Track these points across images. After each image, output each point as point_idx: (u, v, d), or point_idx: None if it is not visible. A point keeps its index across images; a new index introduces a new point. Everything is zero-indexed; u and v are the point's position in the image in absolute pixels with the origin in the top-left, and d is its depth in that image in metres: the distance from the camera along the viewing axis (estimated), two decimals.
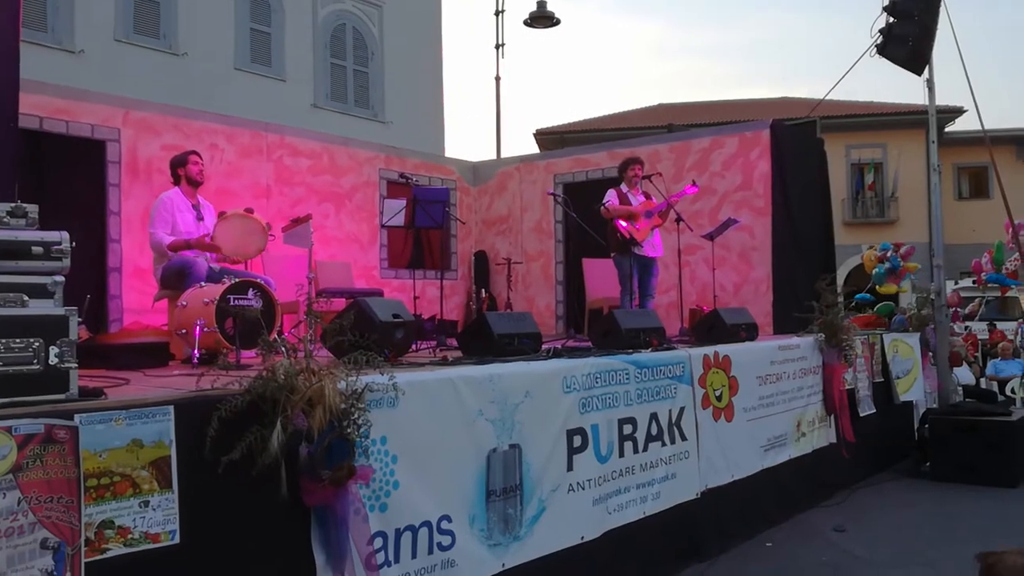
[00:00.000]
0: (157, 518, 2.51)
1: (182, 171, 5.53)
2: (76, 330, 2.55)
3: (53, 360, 2.49)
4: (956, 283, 19.96)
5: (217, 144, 7.53)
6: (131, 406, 2.50)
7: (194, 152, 5.66)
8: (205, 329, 4.42)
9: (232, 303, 4.53)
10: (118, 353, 4.18)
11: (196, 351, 4.37)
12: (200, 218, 5.49)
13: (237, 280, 4.74)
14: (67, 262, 2.64)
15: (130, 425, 2.49)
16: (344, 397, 2.77)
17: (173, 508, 2.54)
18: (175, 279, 5.16)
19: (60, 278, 2.59)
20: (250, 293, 4.68)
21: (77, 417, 2.37)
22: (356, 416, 2.78)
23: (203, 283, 4.90)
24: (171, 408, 2.57)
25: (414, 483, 3.24)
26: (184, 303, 4.72)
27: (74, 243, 2.65)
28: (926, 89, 8.78)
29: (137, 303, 6.56)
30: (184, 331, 4.61)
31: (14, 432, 2.26)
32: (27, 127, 6.20)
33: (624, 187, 7.27)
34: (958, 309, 13.34)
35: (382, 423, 3.08)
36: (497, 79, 14.67)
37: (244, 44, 13.55)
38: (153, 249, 5.39)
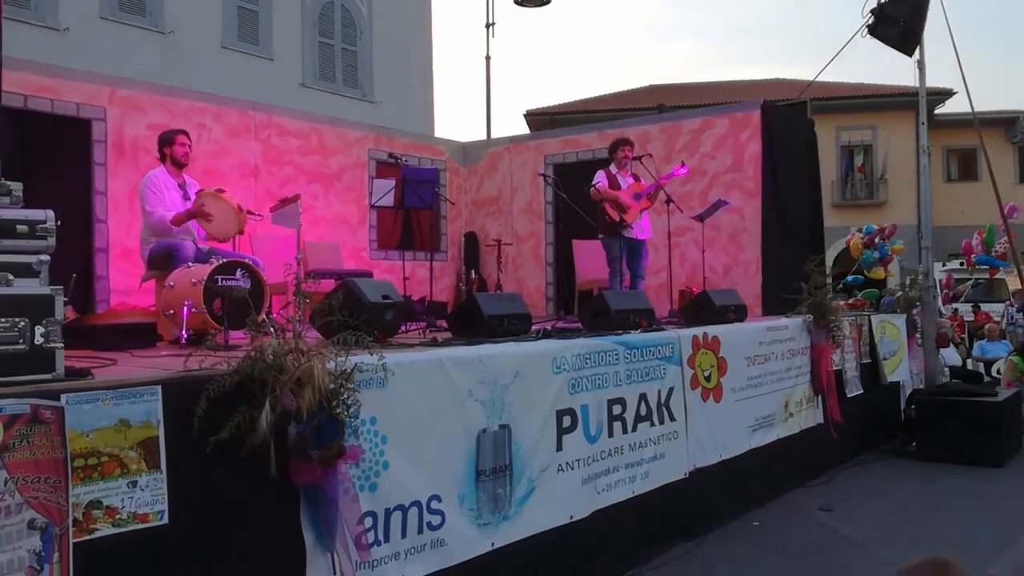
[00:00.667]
0: (145, 498, 2.51)
1: (168, 150, 5.47)
2: (62, 309, 2.53)
3: (39, 340, 2.47)
4: (944, 265, 20.09)
5: (204, 123, 7.46)
6: (118, 386, 2.49)
7: (183, 132, 5.58)
8: (193, 310, 4.39)
9: (220, 283, 4.50)
10: (105, 334, 4.15)
11: (184, 332, 4.35)
12: (186, 197, 5.43)
13: (225, 260, 4.70)
14: (52, 241, 2.61)
15: (117, 405, 2.47)
16: (333, 377, 2.76)
17: (162, 488, 2.54)
18: (163, 259, 5.12)
19: (45, 257, 2.56)
20: (238, 273, 4.65)
21: (63, 397, 2.35)
22: (345, 396, 2.77)
23: (191, 263, 4.86)
24: (159, 388, 2.56)
25: (404, 463, 3.25)
26: (171, 283, 4.69)
27: (59, 222, 2.62)
28: (917, 70, 8.78)
29: (124, 284, 6.51)
30: (172, 311, 4.58)
31: (0, 412, 2.24)
32: (11, 105, 6.12)
33: (613, 168, 7.25)
34: (947, 291, 13.44)
35: (372, 403, 3.07)
36: (487, 59, 14.59)
37: (231, 22, 13.39)
38: (151, 227, 5.30)
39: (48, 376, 2.51)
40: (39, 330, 2.47)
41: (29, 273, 2.50)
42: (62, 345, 2.54)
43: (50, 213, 2.61)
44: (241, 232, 5.42)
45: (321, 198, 8.46)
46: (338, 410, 2.76)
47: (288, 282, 6.20)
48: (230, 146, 7.68)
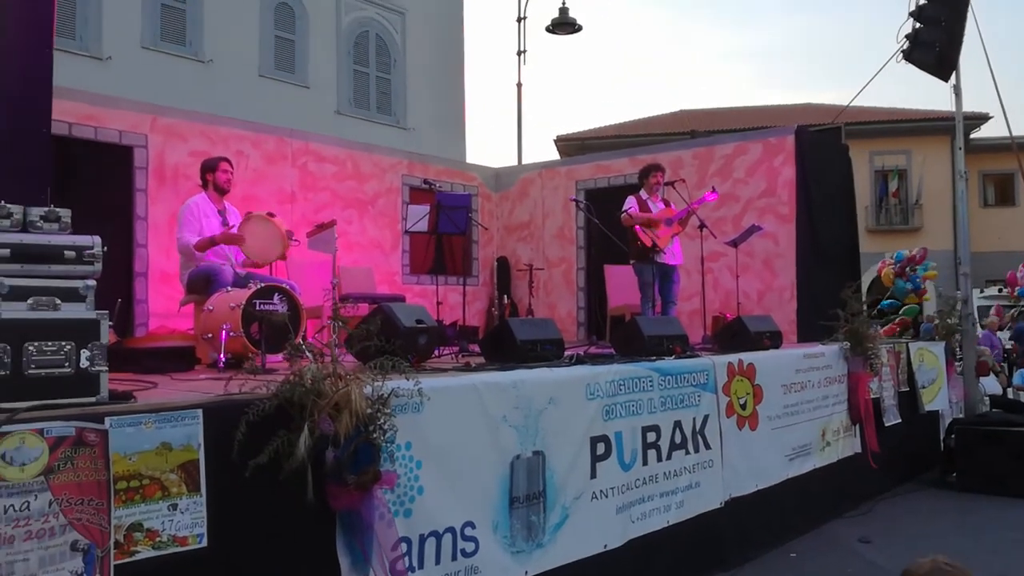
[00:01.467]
0: (185, 521, 2.53)
1: (211, 176, 5.58)
2: (107, 334, 2.58)
3: (84, 363, 2.52)
4: (982, 291, 19.74)
5: (243, 150, 7.60)
6: (160, 409, 2.52)
7: (225, 159, 5.70)
8: (231, 333, 4.45)
9: (258, 307, 4.56)
10: (145, 357, 4.21)
11: (222, 355, 4.40)
12: (225, 223, 5.53)
13: (263, 285, 4.76)
14: (99, 266, 2.67)
15: (159, 428, 2.51)
16: (370, 402, 2.78)
17: (201, 511, 2.56)
18: (202, 284, 5.21)
19: (92, 282, 2.62)
20: (276, 298, 4.71)
21: (107, 420, 2.39)
22: (382, 421, 2.79)
23: (229, 288, 4.93)
24: (200, 412, 2.59)
25: (438, 489, 3.25)
26: (210, 307, 4.76)
27: (105, 247, 2.68)
28: (953, 95, 8.69)
29: (163, 307, 6.62)
30: (210, 335, 4.65)
31: (46, 434, 2.29)
32: (56, 133, 6.24)
33: (644, 194, 7.25)
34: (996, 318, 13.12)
35: (407, 428, 3.08)
36: (519, 85, 14.68)
37: (268, 51, 13.68)
38: (181, 253, 5.44)
39: (92, 399, 2.55)
40: (84, 354, 2.52)
41: (76, 298, 2.56)
42: (106, 368, 2.59)
43: (97, 239, 2.68)
44: (283, 256, 5.49)
45: (356, 223, 8.55)
46: (375, 435, 2.77)
47: (324, 306, 6.29)
48: (268, 172, 7.81)
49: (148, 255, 6.86)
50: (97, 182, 6.62)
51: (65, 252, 2.60)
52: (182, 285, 5.47)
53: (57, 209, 2.65)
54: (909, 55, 8.36)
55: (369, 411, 2.75)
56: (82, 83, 7.75)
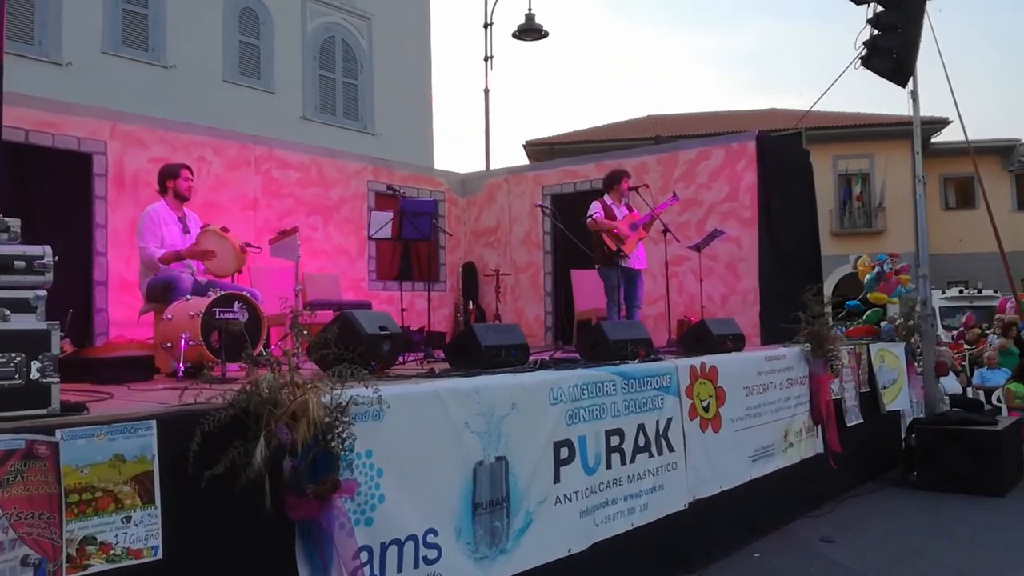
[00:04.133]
0: (139, 534, 2.50)
1: (171, 183, 5.52)
2: (58, 345, 2.54)
3: (35, 375, 2.48)
4: (943, 292, 20.09)
5: (204, 157, 7.51)
6: (113, 421, 2.49)
7: (186, 167, 5.64)
8: (190, 343, 4.41)
9: (218, 316, 4.52)
10: (102, 367, 4.15)
11: (181, 365, 4.36)
12: (186, 231, 5.48)
13: (223, 293, 4.72)
14: (49, 276, 2.63)
15: (112, 440, 2.47)
16: (328, 411, 2.76)
17: (156, 524, 2.53)
18: (161, 292, 5.15)
19: (42, 292, 2.57)
20: (236, 306, 4.66)
21: (59, 432, 2.36)
22: (340, 430, 2.77)
23: (188, 296, 4.88)
24: (153, 423, 2.56)
25: (400, 496, 3.23)
26: (169, 316, 4.70)
27: (57, 257, 2.64)
28: (911, 100, 8.86)
29: (123, 316, 6.52)
30: (169, 344, 4.59)
31: None
32: (12, 140, 6.17)
33: (609, 199, 7.30)
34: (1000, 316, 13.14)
35: (367, 436, 3.07)
36: (486, 91, 14.69)
37: (233, 56, 13.57)
38: (143, 262, 5.36)
39: (44, 411, 2.51)
40: (35, 365, 2.48)
41: (26, 308, 2.51)
42: (58, 380, 2.55)
43: (47, 248, 2.63)
44: (240, 271, 5.45)
45: (321, 230, 8.50)
46: (333, 444, 2.75)
47: (286, 314, 6.24)
48: (230, 179, 7.73)
49: (108, 263, 6.75)
50: (55, 190, 6.51)
51: (15, 262, 2.55)
52: (141, 294, 5.40)
53: (6, 219, 2.61)
54: (867, 61, 8.51)
55: (327, 419, 2.74)
56: (42, 89, 7.62)
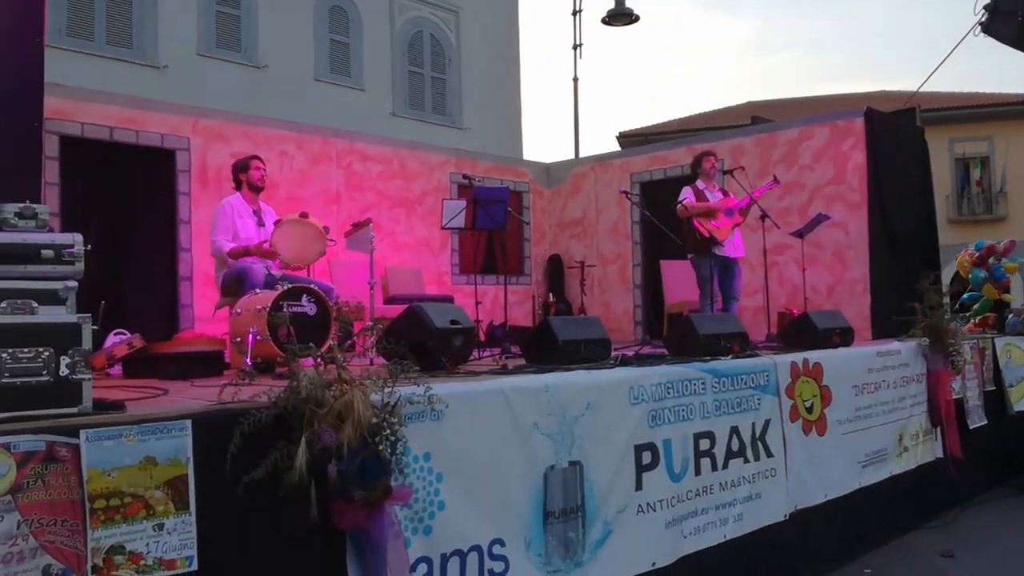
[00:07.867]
0: (173, 542, 2.31)
1: (243, 176, 5.44)
2: (90, 338, 2.38)
3: (64, 371, 2.33)
4: None
5: (287, 151, 7.50)
6: (144, 420, 2.31)
7: (256, 157, 5.56)
8: (258, 337, 4.27)
9: (286, 309, 4.37)
10: (169, 363, 4.07)
11: (249, 360, 4.22)
12: (261, 224, 5.38)
13: (291, 286, 4.57)
14: (80, 266, 2.47)
15: (143, 441, 2.29)
16: (376, 411, 2.52)
17: (190, 532, 2.34)
18: (234, 285, 5.06)
19: (73, 283, 2.42)
20: (304, 299, 4.51)
21: (83, 433, 2.18)
22: (388, 432, 2.52)
23: (258, 290, 4.76)
24: (188, 423, 2.37)
25: (462, 504, 2.97)
26: (239, 311, 4.59)
27: (88, 246, 2.48)
28: None
29: (207, 312, 6.53)
30: (239, 339, 4.48)
31: (13, 449, 2.09)
32: (97, 137, 6.27)
33: (700, 183, 6.86)
34: None
35: (425, 438, 2.83)
36: (575, 80, 14.37)
37: (323, 55, 13.67)
38: (213, 255, 5.31)
39: (74, 410, 2.36)
40: (64, 360, 2.33)
41: (55, 300, 2.37)
42: (90, 376, 2.39)
43: (78, 237, 2.48)
44: (323, 253, 5.28)
45: (403, 223, 8.38)
46: (381, 446, 2.51)
47: (365, 308, 6.10)
48: (312, 173, 7.69)
49: (192, 259, 6.79)
50: (140, 186, 6.59)
51: (42, 251, 2.40)
52: (217, 287, 5.34)
53: (34, 205, 2.46)
54: (988, 27, 7.77)
55: (375, 420, 2.49)
56: (139, 91, 7.76)
